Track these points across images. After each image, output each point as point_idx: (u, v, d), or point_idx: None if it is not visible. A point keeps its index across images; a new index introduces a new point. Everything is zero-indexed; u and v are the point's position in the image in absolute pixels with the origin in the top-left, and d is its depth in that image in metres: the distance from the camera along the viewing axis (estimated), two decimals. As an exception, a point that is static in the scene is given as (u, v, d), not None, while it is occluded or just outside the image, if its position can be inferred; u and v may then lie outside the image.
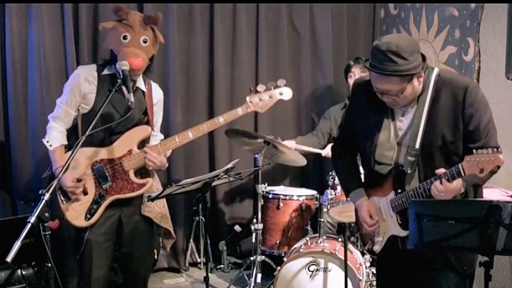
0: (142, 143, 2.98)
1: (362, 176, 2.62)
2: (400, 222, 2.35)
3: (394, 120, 2.35)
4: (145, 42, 2.90)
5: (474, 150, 2.03)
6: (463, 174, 2.05)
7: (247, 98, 3.07)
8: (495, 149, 1.99)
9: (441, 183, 2.11)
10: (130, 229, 3.03)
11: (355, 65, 4.13)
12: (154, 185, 3.15)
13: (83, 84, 2.91)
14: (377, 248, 2.49)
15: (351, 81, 4.13)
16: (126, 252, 3.07)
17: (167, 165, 3.06)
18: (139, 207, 3.04)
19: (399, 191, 2.33)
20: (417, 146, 2.25)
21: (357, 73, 4.10)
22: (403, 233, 2.34)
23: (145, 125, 2.99)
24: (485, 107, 2.24)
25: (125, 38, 2.87)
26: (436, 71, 2.27)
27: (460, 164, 2.06)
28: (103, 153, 2.91)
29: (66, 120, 2.97)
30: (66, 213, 2.87)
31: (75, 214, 2.88)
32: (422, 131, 2.25)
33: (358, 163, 2.63)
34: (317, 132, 4.29)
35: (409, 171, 2.28)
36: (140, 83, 3.00)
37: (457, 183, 2.11)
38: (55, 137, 2.93)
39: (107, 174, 2.90)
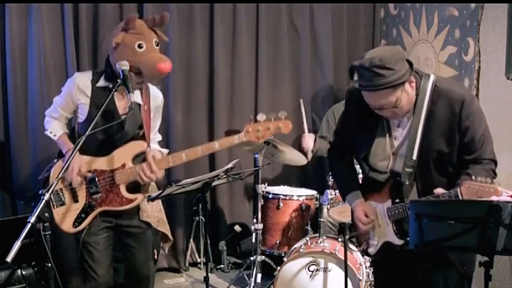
0: (137, 158, 2.96)
1: (360, 177, 2.62)
2: (396, 231, 2.35)
3: (389, 130, 2.34)
4: (157, 45, 2.86)
5: (473, 177, 2.05)
6: (460, 198, 2.07)
7: (245, 127, 2.98)
8: (494, 180, 2.02)
9: None
10: (130, 234, 3.03)
11: None
12: (153, 185, 3.15)
13: (76, 93, 2.90)
14: (371, 250, 2.49)
15: None
16: (128, 256, 3.08)
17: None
18: (137, 212, 3.03)
19: (397, 200, 2.33)
20: (414, 157, 2.25)
21: None
22: (398, 241, 2.34)
23: (141, 140, 2.96)
24: (480, 118, 2.25)
25: (140, 46, 2.78)
26: (431, 79, 2.26)
27: (458, 189, 2.08)
28: (97, 164, 2.90)
29: (63, 120, 3.01)
30: (56, 217, 2.88)
31: (64, 219, 2.89)
32: (419, 142, 2.25)
33: (355, 167, 2.63)
34: (326, 139, 4.26)
35: (407, 183, 2.28)
36: (136, 96, 2.92)
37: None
38: (56, 127, 2.98)
39: (99, 185, 2.89)
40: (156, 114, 3.09)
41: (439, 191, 2.15)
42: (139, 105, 2.95)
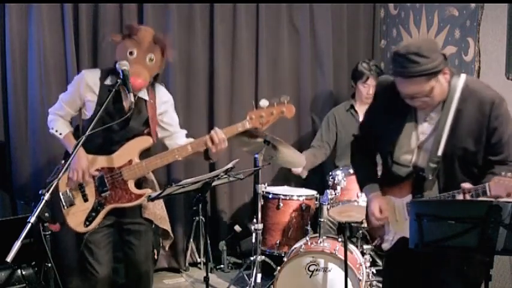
0: (144, 154, 2.98)
1: (379, 173, 2.63)
2: None
3: (416, 123, 2.35)
4: (151, 60, 2.88)
5: (503, 173, 2.06)
6: (488, 194, 2.07)
7: (248, 114, 3.00)
8: None
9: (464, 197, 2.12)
10: (130, 231, 3.06)
11: (371, 76, 4.06)
12: (156, 190, 3.16)
13: (84, 90, 2.92)
14: (385, 246, 2.50)
15: (363, 90, 4.09)
16: (128, 253, 3.10)
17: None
18: (139, 209, 3.05)
19: (418, 195, 2.34)
20: (439, 153, 2.26)
21: (372, 85, 4.03)
22: None
23: (146, 136, 2.98)
24: (508, 120, 2.27)
25: (131, 53, 2.84)
26: (463, 78, 2.28)
27: (487, 184, 2.08)
28: (104, 162, 2.92)
29: (68, 117, 3.03)
30: (67, 218, 2.91)
31: (75, 220, 2.92)
32: (445, 138, 2.26)
33: (375, 160, 2.65)
34: (324, 144, 4.25)
35: (430, 178, 2.29)
36: (143, 93, 2.96)
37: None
38: (62, 125, 2.99)
39: (107, 182, 2.92)
40: (169, 109, 3.10)
41: (466, 185, 2.15)
42: (145, 100, 2.97)
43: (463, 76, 2.29)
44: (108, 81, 2.92)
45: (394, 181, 2.43)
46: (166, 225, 3.24)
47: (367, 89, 4.07)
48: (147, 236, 3.11)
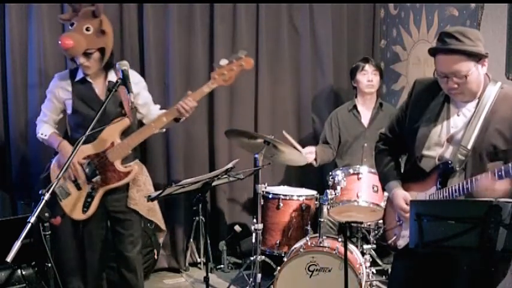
0: (123, 134, 3.14)
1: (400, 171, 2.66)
2: None
3: (448, 118, 2.39)
4: (88, 30, 3.03)
5: None
6: None
7: (211, 75, 3.21)
8: None
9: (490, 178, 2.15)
10: (120, 220, 3.20)
11: (369, 64, 4.12)
12: (144, 182, 3.22)
13: (59, 92, 3.17)
14: (401, 243, 2.51)
15: (363, 78, 4.11)
16: (115, 242, 3.23)
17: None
18: (125, 200, 3.18)
19: (440, 187, 2.37)
20: (469, 146, 2.30)
21: (370, 71, 4.09)
22: None
23: (123, 117, 3.11)
24: None
25: (72, 25, 3.06)
26: (499, 83, 2.35)
27: None
28: (88, 149, 3.08)
29: (51, 122, 3.26)
30: (66, 209, 3.07)
31: (73, 209, 3.08)
32: (477, 133, 2.30)
33: (399, 160, 2.67)
34: (329, 145, 4.24)
35: (457, 169, 2.32)
36: (111, 76, 3.14)
37: (505, 183, 2.16)
38: (46, 128, 3.22)
39: (95, 168, 3.07)
40: (142, 91, 3.26)
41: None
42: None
43: (499, 82, 2.36)
44: (78, 77, 3.13)
45: (418, 176, 2.46)
46: (155, 217, 3.32)
47: (367, 76, 4.10)
48: (133, 226, 3.23)
